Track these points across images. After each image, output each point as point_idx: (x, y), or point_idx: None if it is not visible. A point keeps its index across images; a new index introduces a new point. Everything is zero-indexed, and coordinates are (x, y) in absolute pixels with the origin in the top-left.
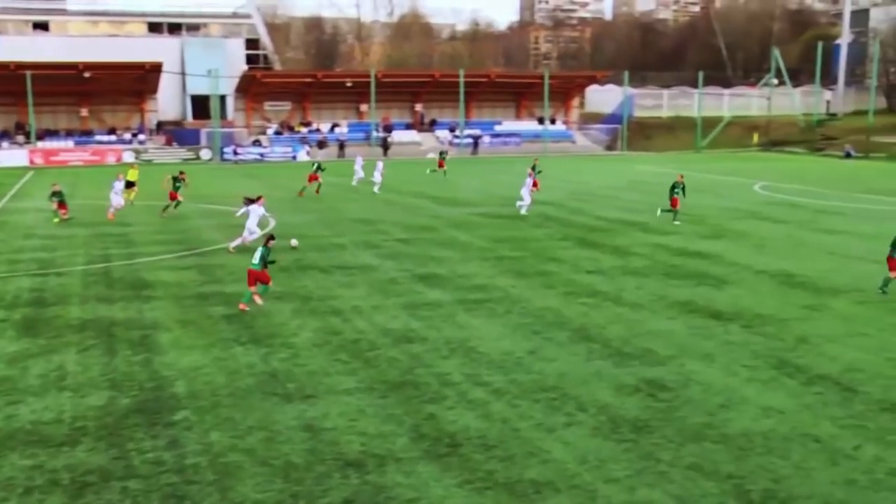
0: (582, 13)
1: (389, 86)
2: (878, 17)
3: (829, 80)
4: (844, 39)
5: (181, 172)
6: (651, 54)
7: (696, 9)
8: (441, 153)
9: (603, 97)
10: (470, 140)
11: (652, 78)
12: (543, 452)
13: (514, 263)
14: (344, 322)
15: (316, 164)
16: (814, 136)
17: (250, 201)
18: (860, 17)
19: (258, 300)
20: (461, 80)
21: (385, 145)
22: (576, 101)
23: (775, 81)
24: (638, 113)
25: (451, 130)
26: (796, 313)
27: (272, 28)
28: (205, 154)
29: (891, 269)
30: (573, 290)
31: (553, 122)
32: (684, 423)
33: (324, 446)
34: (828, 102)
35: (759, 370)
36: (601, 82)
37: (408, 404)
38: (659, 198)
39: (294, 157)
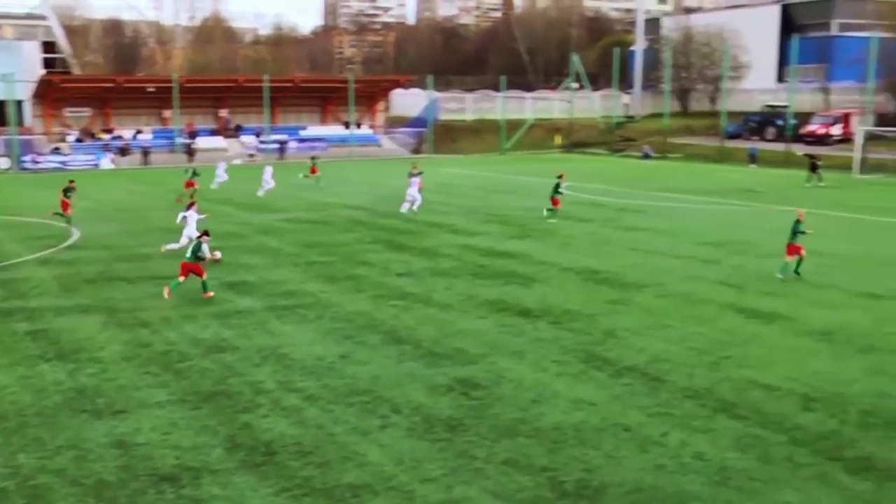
0: (385, 18)
1: (193, 91)
2: (669, 26)
3: (626, 84)
4: (639, 46)
5: (71, 181)
6: (454, 58)
7: (497, 14)
8: (312, 158)
9: (408, 101)
10: (276, 145)
11: (456, 82)
12: (359, 456)
13: (324, 268)
14: (153, 334)
15: (191, 171)
16: (613, 138)
17: (187, 207)
18: (653, 25)
19: (166, 293)
20: (266, 84)
21: (190, 152)
22: (381, 106)
23: (575, 85)
24: (443, 116)
25: (257, 136)
26: (602, 308)
27: (70, 30)
28: (3, 163)
29: (788, 255)
30: (383, 292)
31: (359, 126)
32: (497, 420)
33: (137, 462)
34: (626, 105)
35: (568, 364)
36: (406, 86)
37: (221, 414)
38: (466, 199)
39: (97, 165)
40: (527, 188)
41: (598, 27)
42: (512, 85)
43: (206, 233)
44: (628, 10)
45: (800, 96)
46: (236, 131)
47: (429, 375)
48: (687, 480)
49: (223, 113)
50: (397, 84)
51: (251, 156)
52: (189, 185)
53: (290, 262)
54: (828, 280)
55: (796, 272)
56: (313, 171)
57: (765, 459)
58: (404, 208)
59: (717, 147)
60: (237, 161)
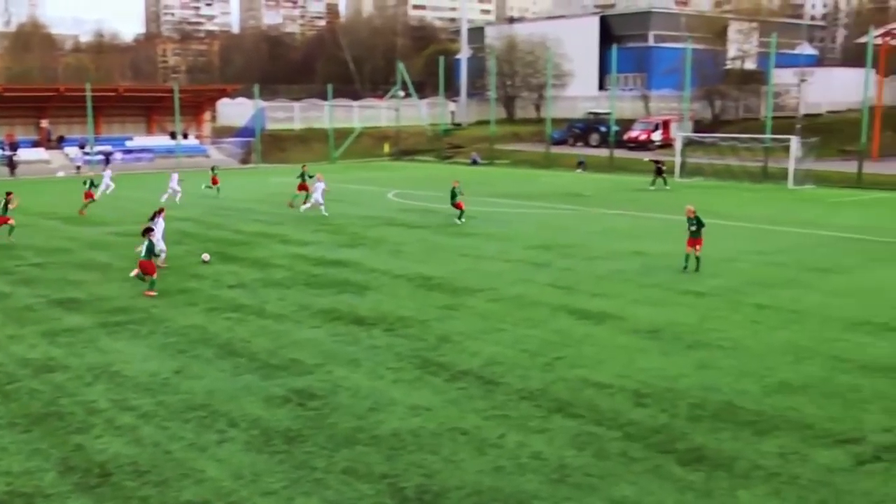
0: (209, 26)
1: (12, 100)
2: (492, 35)
3: (452, 91)
4: (464, 54)
5: (8, 193)
6: (280, 67)
7: (323, 23)
8: (213, 168)
9: (235, 110)
10: (101, 157)
11: (283, 91)
12: (198, 472)
13: (156, 282)
14: None
15: (89, 182)
16: (441, 145)
17: (154, 215)
18: (476, 34)
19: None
20: (88, 94)
21: (11, 165)
22: (207, 115)
23: (402, 93)
24: (271, 125)
25: (81, 147)
26: (436, 314)
27: None
28: None
29: (688, 247)
30: (216, 305)
31: (186, 136)
32: (335, 429)
33: None
34: (452, 113)
35: (404, 371)
36: (232, 95)
37: (53, 437)
38: (296, 209)
39: None
40: (357, 196)
41: (423, 36)
42: (339, 93)
43: (150, 229)
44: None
45: (621, 103)
46: (59, 143)
47: (265, 387)
48: (525, 480)
49: (44, 123)
50: (224, 93)
51: (78, 168)
52: (88, 196)
53: (120, 277)
54: (652, 279)
55: (685, 267)
56: (214, 182)
57: (600, 455)
58: (316, 208)
59: (543, 153)
60: (60, 174)
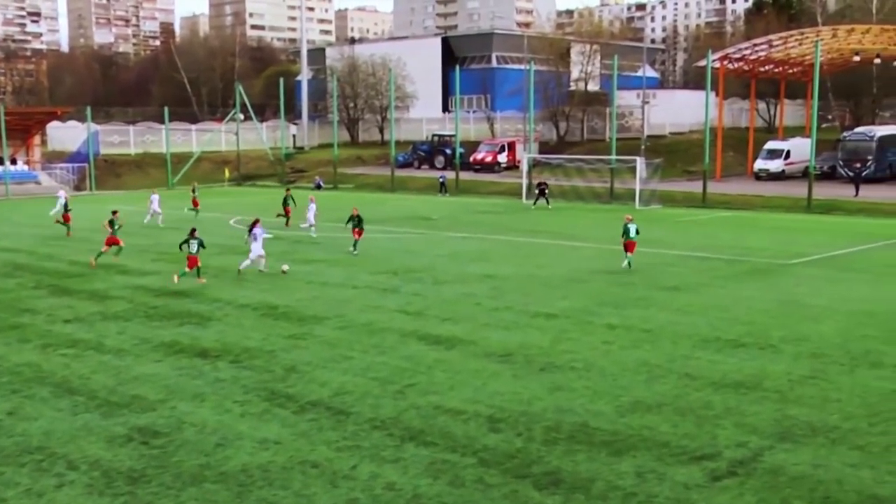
0: (36, 44)
1: None
2: (333, 56)
3: (293, 114)
4: (304, 76)
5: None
6: (114, 88)
7: (157, 42)
8: (193, 189)
9: (66, 134)
10: None
11: (117, 113)
12: None
13: None
14: None
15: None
16: (284, 170)
17: (253, 225)
18: (317, 55)
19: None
20: None
21: None
22: (37, 139)
23: (241, 116)
24: (105, 150)
25: None
26: (283, 344)
27: None
28: None
29: (627, 251)
30: (51, 341)
31: (14, 162)
32: (181, 468)
33: None
34: (294, 136)
35: (251, 404)
36: (63, 118)
37: None
38: (135, 237)
39: None
40: (197, 224)
41: (262, 57)
42: (176, 116)
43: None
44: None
45: (466, 125)
46: None
47: (106, 426)
48: None
49: None
50: (54, 116)
51: None
52: (66, 218)
53: None
54: (502, 302)
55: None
56: (195, 204)
57: (456, 483)
58: (310, 230)
59: (388, 176)
60: None
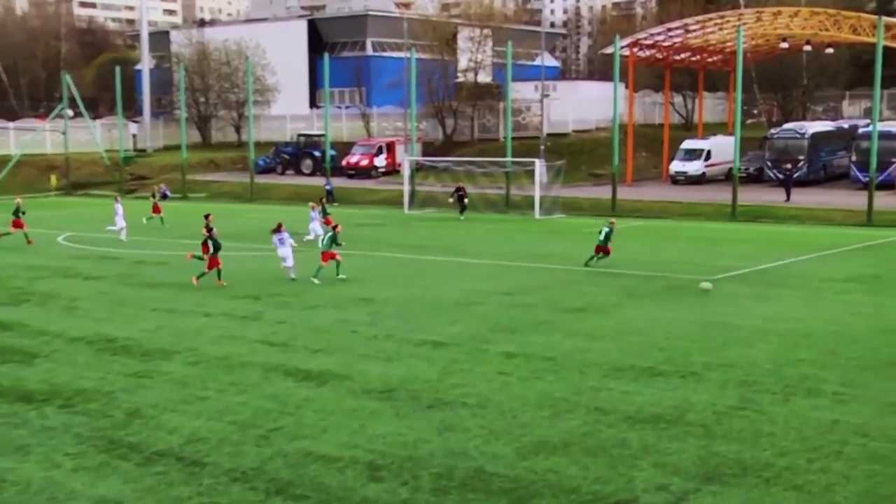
0: None
1: None
2: (179, 41)
3: (133, 110)
4: (145, 65)
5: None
6: None
7: None
8: (153, 196)
9: None
10: None
11: None
12: None
13: None
14: None
15: (16, 208)
16: (122, 176)
17: (278, 229)
18: (161, 39)
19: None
20: None
21: None
22: None
23: (70, 112)
24: None
25: None
26: (123, 383)
27: None
28: None
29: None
30: None
31: None
32: None
33: None
34: (134, 136)
35: (86, 456)
36: None
37: None
38: None
39: None
40: (18, 241)
41: (94, 41)
42: None
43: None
44: (130, 21)
45: (337, 123)
46: None
47: None
48: None
49: None
50: None
51: None
52: (16, 224)
53: None
54: (383, 330)
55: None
56: (156, 211)
57: None
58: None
59: (246, 184)
60: None
